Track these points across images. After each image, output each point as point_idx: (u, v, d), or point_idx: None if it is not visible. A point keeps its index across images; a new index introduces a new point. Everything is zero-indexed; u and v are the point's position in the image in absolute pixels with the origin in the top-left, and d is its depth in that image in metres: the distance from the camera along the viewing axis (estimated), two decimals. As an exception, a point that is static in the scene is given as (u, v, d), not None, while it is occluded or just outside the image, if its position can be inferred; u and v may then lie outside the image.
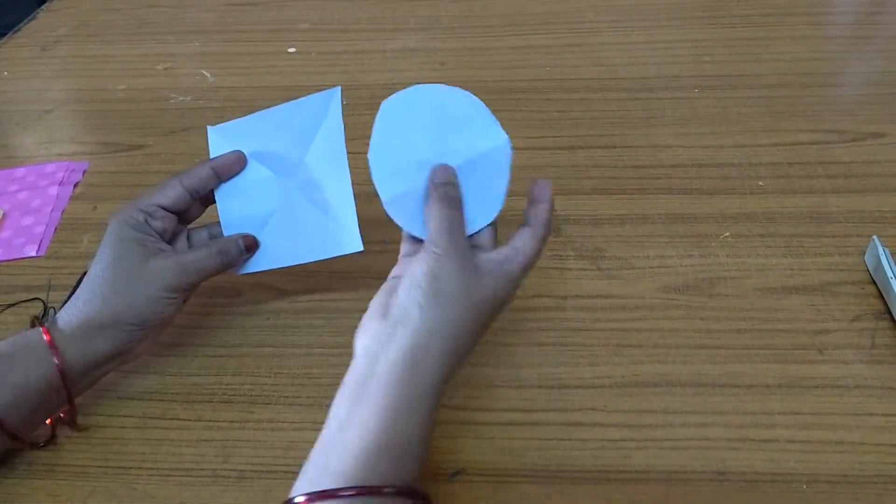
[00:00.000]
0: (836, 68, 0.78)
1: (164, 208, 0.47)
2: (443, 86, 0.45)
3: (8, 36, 0.94)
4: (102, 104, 0.79)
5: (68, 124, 0.77)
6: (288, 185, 0.50)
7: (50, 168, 0.70)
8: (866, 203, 0.60)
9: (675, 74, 0.77)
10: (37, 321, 0.44)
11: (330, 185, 0.49)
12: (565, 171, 0.65)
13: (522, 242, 0.42)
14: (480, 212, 0.44)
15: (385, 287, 0.41)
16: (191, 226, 0.51)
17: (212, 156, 0.50)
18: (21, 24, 0.96)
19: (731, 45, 0.81)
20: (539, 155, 0.67)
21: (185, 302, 0.48)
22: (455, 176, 0.43)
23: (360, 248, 0.48)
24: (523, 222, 0.43)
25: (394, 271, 0.44)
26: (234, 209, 0.50)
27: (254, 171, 0.50)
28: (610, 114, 0.72)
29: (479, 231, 0.44)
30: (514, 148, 0.46)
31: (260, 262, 0.50)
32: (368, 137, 0.44)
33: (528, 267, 0.41)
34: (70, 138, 0.75)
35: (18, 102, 0.81)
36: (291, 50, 0.86)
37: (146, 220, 0.46)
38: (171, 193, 0.47)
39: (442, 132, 0.44)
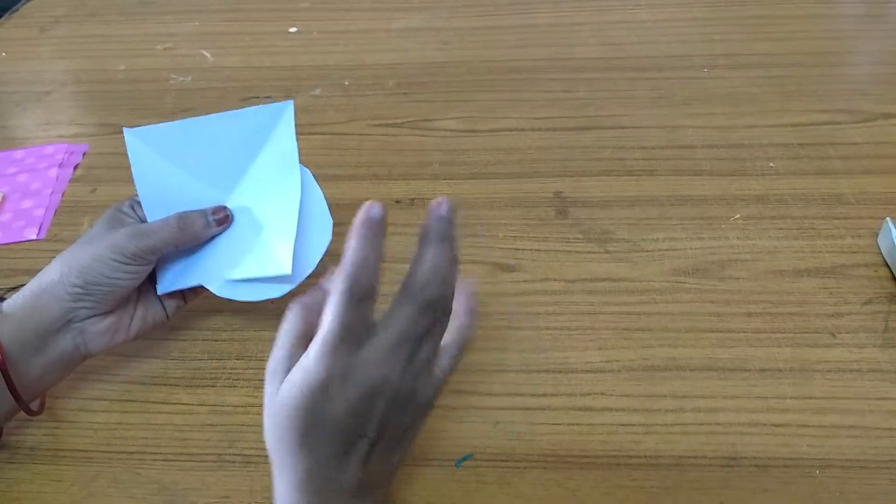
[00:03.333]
0: (848, 47, 0.77)
1: None
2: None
3: (6, 16, 0.92)
4: (102, 85, 0.78)
5: (68, 105, 0.76)
6: (220, 200, 0.47)
7: (49, 150, 0.69)
8: (879, 184, 0.59)
9: (685, 54, 0.75)
10: None
11: (272, 204, 0.46)
12: (572, 153, 0.64)
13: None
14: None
15: None
16: None
17: (131, 161, 0.46)
18: (19, 5, 0.94)
19: (742, 23, 0.80)
20: (545, 136, 0.66)
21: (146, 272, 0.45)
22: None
23: (288, 272, 0.44)
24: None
25: None
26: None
27: (181, 181, 0.46)
28: (618, 94, 0.71)
29: None
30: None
31: (185, 279, 0.46)
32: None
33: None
34: (69, 120, 0.74)
35: (17, 83, 0.80)
36: (293, 29, 0.85)
37: (132, 207, 0.46)
38: None
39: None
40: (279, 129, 0.46)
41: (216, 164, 0.46)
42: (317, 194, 0.47)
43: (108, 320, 0.44)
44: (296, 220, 0.44)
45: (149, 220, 0.46)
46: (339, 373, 0.31)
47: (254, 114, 0.46)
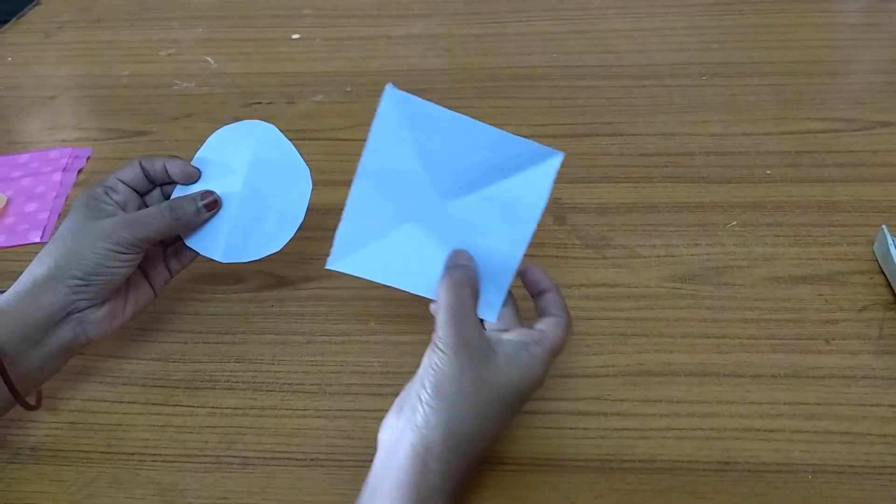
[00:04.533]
0: (845, 56, 0.77)
1: (123, 182, 0.47)
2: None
3: (11, 22, 0.93)
4: (106, 90, 0.79)
5: (72, 110, 0.77)
6: (436, 202, 0.43)
7: (53, 154, 0.69)
8: (875, 192, 0.59)
9: (683, 62, 0.76)
10: None
11: (490, 239, 0.42)
12: (571, 160, 0.63)
13: (546, 326, 0.40)
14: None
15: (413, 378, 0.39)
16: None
17: (377, 120, 0.42)
18: (24, 10, 0.95)
19: (740, 32, 0.81)
20: (545, 143, 0.66)
21: (148, 260, 0.48)
22: (470, 258, 0.41)
23: (494, 319, 0.42)
24: (539, 314, 0.41)
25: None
26: (368, 196, 0.43)
27: (409, 162, 0.42)
28: (616, 101, 0.71)
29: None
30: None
31: (357, 266, 0.44)
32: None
33: (555, 352, 0.39)
34: (74, 124, 0.74)
35: (22, 88, 0.80)
36: (295, 36, 0.85)
37: (106, 192, 0.46)
38: (129, 170, 0.47)
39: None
40: (536, 172, 0.42)
41: (453, 166, 0.42)
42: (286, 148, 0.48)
43: (106, 308, 0.45)
44: (512, 275, 0.42)
45: (355, 187, 0.43)
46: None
47: (520, 144, 0.42)
